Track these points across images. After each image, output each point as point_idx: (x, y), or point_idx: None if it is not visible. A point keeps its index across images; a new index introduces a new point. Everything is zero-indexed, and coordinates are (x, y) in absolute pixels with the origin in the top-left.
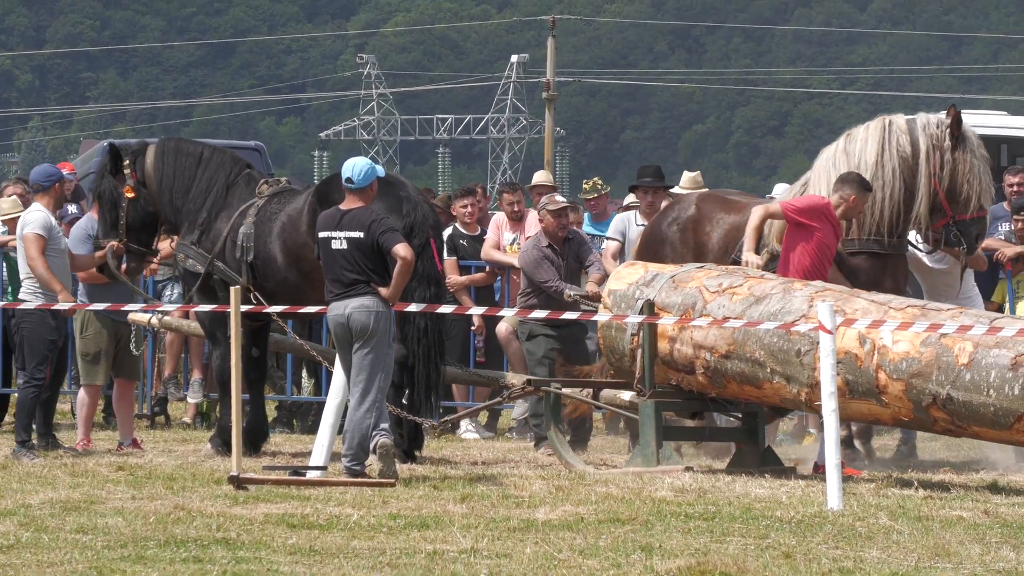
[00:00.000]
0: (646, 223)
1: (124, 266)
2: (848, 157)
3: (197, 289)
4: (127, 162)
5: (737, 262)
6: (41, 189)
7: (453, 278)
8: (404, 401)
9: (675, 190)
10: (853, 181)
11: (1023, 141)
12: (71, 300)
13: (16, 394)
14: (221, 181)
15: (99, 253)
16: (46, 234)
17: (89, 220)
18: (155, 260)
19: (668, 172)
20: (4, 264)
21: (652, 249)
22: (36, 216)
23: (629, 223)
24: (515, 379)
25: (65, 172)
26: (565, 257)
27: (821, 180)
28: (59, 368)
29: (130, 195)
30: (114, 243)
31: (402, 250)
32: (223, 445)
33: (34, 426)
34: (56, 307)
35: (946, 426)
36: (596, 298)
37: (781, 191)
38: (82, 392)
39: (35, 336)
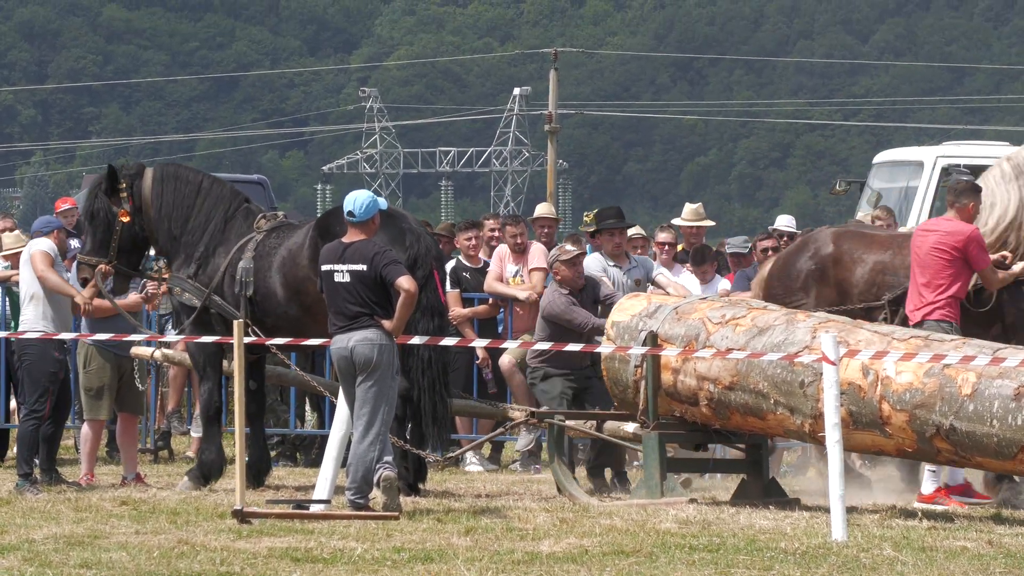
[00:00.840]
0: (618, 264)
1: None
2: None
3: (193, 323)
4: (124, 184)
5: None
6: (41, 235)
7: (456, 311)
8: (408, 435)
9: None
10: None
11: None
12: (86, 299)
13: (16, 429)
14: (220, 214)
15: (90, 285)
16: (52, 254)
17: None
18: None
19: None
20: (7, 299)
21: (784, 286)
22: (43, 241)
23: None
24: (518, 411)
25: (67, 206)
26: (584, 303)
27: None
28: (62, 402)
29: (125, 219)
30: (103, 265)
31: (405, 283)
32: (201, 479)
33: (36, 461)
34: (60, 336)
35: (950, 457)
36: None
37: (785, 222)
38: (85, 427)
39: (37, 368)
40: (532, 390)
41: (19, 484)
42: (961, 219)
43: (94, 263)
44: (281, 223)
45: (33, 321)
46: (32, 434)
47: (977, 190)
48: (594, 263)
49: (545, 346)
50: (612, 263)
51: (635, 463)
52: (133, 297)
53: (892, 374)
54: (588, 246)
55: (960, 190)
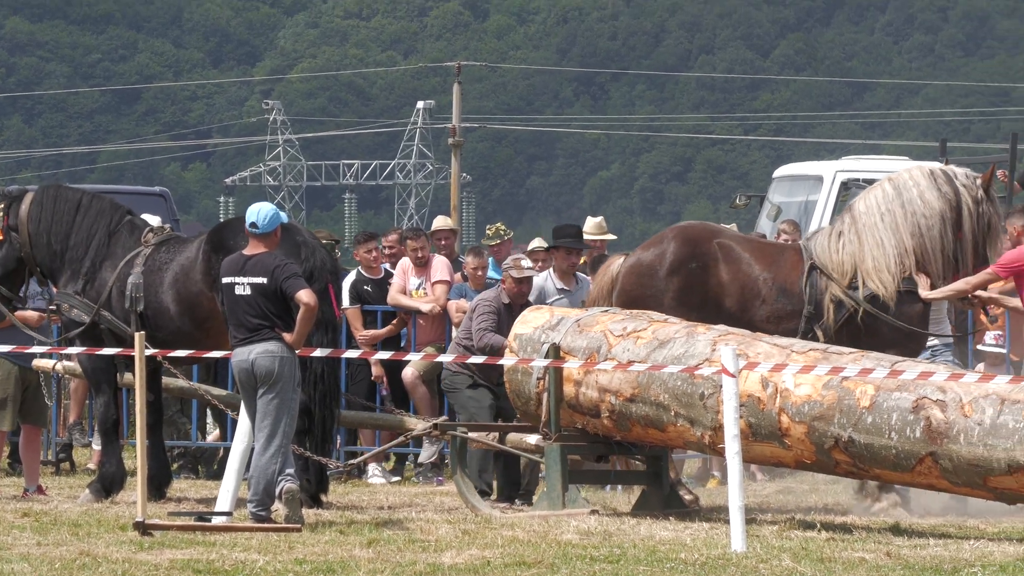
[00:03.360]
0: (564, 285)
1: None
2: (904, 207)
3: (81, 338)
4: (1, 207)
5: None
6: None
7: (364, 333)
8: (307, 445)
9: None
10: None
11: None
12: None
13: None
14: (103, 229)
15: None
16: None
17: None
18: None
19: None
20: None
21: (643, 289)
22: None
23: (546, 285)
24: (420, 423)
25: None
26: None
27: (876, 231)
28: None
29: None
30: None
31: (306, 296)
32: (102, 492)
33: None
34: None
35: (848, 468)
36: None
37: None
38: None
39: None
40: (455, 395)
41: None
42: None
43: None
44: (169, 236)
45: None
46: None
47: None
48: (543, 293)
49: (448, 358)
50: (559, 294)
51: (540, 475)
52: (32, 313)
53: (791, 386)
54: (490, 259)
55: None
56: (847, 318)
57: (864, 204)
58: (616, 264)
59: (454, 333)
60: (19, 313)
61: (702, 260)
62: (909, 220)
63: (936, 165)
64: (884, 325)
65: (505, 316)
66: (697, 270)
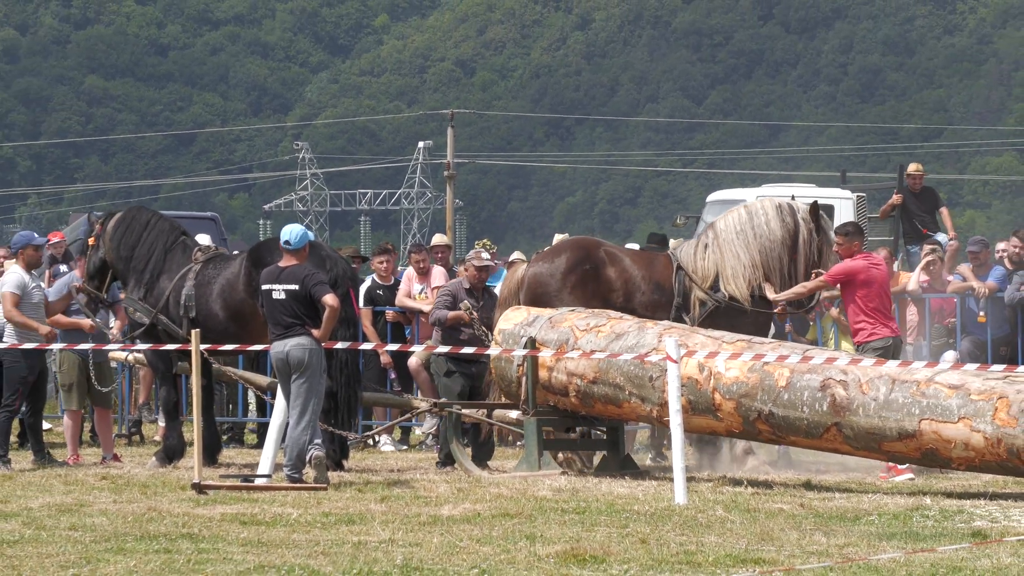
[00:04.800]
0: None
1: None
2: (756, 230)
3: (143, 336)
4: (100, 220)
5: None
6: (11, 255)
7: (370, 328)
8: (332, 421)
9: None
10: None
11: (828, 208)
12: (52, 333)
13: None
14: (160, 246)
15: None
16: (19, 292)
17: (71, 277)
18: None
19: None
20: None
21: (546, 288)
22: (11, 278)
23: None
24: (423, 402)
25: (55, 240)
26: (481, 302)
27: (733, 245)
28: (37, 397)
29: (91, 242)
30: (76, 284)
31: (331, 299)
32: (166, 459)
33: (33, 446)
34: (26, 347)
35: (769, 436)
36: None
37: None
38: (66, 416)
39: (12, 372)
40: (436, 378)
41: None
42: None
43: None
44: (214, 255)
45: (11, 334)
46: (5, 424)
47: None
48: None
49: (444, 349)
50: None
51: (518, 443)
52: (86, 321)
53: (722, 370)
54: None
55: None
56: (710, 311)
57: (724, 223)
58: (521, 270)
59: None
60: (74, 319)
61: (593, 263)
62: (758, 241)
63: (784, 200)
64: (739, 315)
65: (464, 298)
66: (590, 271)
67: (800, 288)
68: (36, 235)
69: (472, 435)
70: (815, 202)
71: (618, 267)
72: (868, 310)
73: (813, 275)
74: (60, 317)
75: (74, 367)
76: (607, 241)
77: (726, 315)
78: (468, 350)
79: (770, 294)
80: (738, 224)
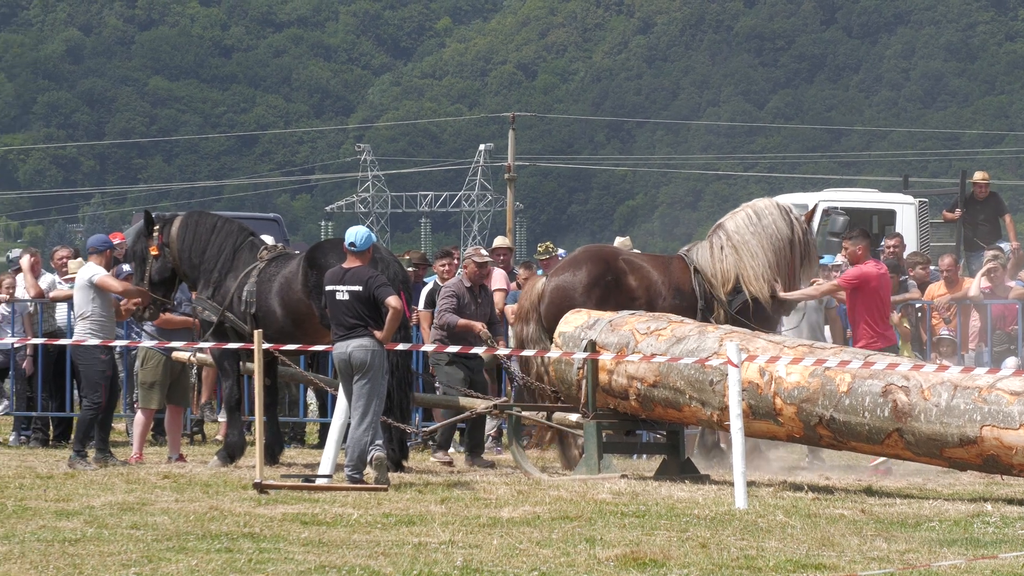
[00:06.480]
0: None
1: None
2: (767, 230)
3: (212, 334)
4: (157, 227)
5: None
6: (96, 252)
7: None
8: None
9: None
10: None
11: (890, 213)
12: (142, 291)
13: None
14: (229, 246)
15: (131, 302)
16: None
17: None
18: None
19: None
20: (72, 312)
21: (569, 302)
22: (99, 268)
23: None
24: (482, 403)
25: (117, 241)
26: (479, 298)
27: (749, 246)
28: (112, 394)
29: (154, 253)
30: (141, 294)
31: (393, 301)
32: (228, 458)
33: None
34: (112, 344)
35: (830, 441)
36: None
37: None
38: (139, 414)
39: (89, 369)
40: (438, 368)
41: (72, 458)
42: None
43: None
44: (279, 254)
45: (82, 335)
46: (90, 421)
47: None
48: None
49: (505, 351)
50: None
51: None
52: (178, 316)
53: (783, 375)
54: (539, 270)
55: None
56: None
57: (734, 224)
58: (540, 284)
59: (510, 331)
60: (184, 316)
61: (614, 274)
62: (771, 241)
63: (779, 200)
64: (760, 314)
65: (467, 298)
66: (612, 282)
67: (812, 290)
68: (110, 239)
69: (469, 427)
70: (814, 206)
71: (638, 275)
72: (871, 316)
73: (812, 282)
74: (172, 316)
75: (159, 365)
76: (618, 248)
77: (744, 316)
78: (478, 350)
79: (781, 293)
80: (750, 225)
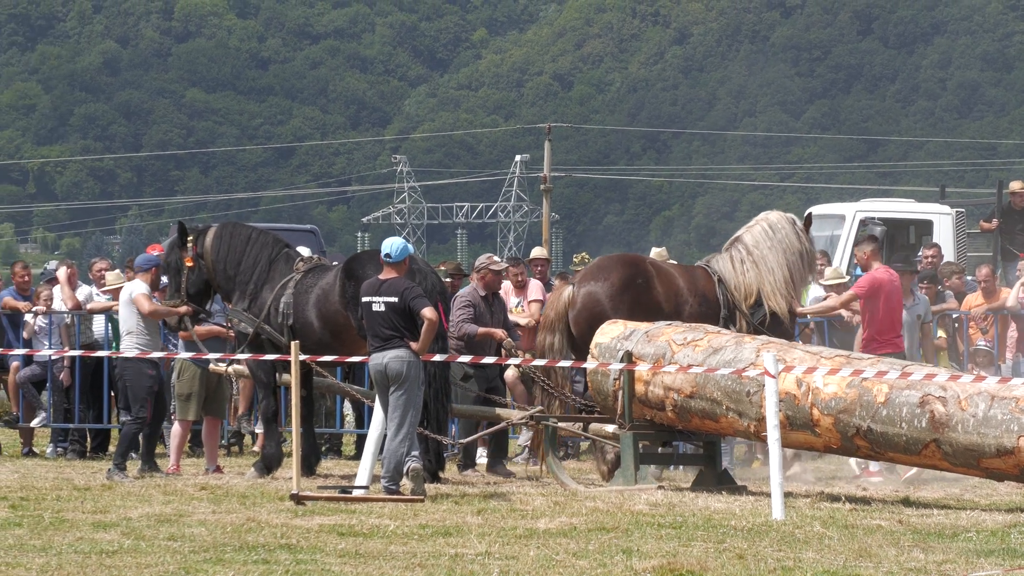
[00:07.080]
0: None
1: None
2: (781, 244)
3: (248, 346)
4: (191, 238)
5: None
6: (142, 271)
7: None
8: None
9: None
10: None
11: (927, 223)
12: (170, 311)
13: (115, 429)
14: (265, 258)
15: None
16: (147, 293)
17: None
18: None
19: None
20: (110, 324)
21: (601, 307)
22: (140, 285)
23: None
24: (518, 414)
25: (156, 253)
26: (492, 306)
27: (767, 261)
28: (160, 407)
29: (189, 264)
30: (187, 307)
31: (429, 313)
32: (264, 470)
33: (133, 455)
34: (152, 356)
35: (867, 452)
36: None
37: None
38: (176, 425)
39: (136, 385)
40: (455, 384)
41: (110, 471)
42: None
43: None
44: (315, 265)
45: (129, 350)
46: (134, 435)
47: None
48: None
49: (541, 362)
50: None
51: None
52: (218, 328)
53: (820, 385)
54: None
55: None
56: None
57: (752, 238)
58: (567, 291)
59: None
60: (210, 327)
61: (644, 277)
62: (786, 256)
63: (783, 214)
64: (778, 328)
65: (483, 307)
66: (642, 285)
67: (832, 302)
68: (155, 255)
69: (492, 438)
70: (809, 213)
71: (665, 281)
72: (881, 324)
73: (826, 296)
74: (197, 327)
75: (195, 377)
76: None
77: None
78: (489, 360)
79: (798, 310)
80: (767, 239)
